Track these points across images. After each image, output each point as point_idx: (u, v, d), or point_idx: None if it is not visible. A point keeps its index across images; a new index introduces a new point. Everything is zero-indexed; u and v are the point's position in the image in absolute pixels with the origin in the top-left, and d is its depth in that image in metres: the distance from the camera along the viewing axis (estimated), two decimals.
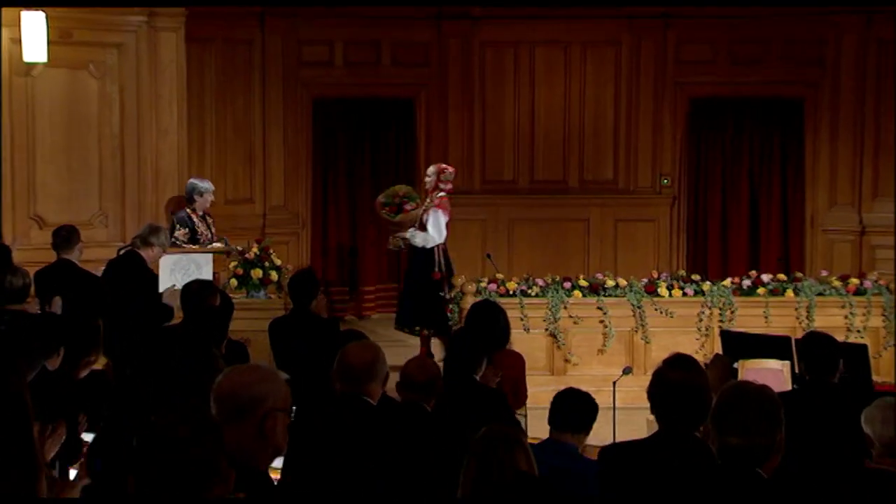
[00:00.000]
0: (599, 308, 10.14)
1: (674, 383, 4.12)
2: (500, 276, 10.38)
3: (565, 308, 10.11)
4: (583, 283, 10.25)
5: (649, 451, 4.18)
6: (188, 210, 10.30)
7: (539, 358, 9.93)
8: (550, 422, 5.55)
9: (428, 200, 10.53)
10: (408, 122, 12.95)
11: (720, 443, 3.57)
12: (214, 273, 9.40)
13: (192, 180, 10.55)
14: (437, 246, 10.39)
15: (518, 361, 7.07)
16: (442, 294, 10.31)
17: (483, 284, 10.20)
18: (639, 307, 10.11)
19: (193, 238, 10.10)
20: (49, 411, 4.40)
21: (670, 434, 4.12)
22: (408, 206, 10.42)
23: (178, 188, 10.92)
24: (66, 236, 8.57)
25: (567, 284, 10.18)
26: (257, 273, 9.93)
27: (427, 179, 10.65)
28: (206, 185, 10.43)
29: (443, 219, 10.38)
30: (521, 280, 10.28)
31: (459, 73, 12.94)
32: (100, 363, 6.32)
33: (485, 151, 13.09)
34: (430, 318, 10.32)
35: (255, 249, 10.09)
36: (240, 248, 10.17)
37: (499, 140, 13.09)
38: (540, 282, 10.22)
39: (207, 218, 10.43)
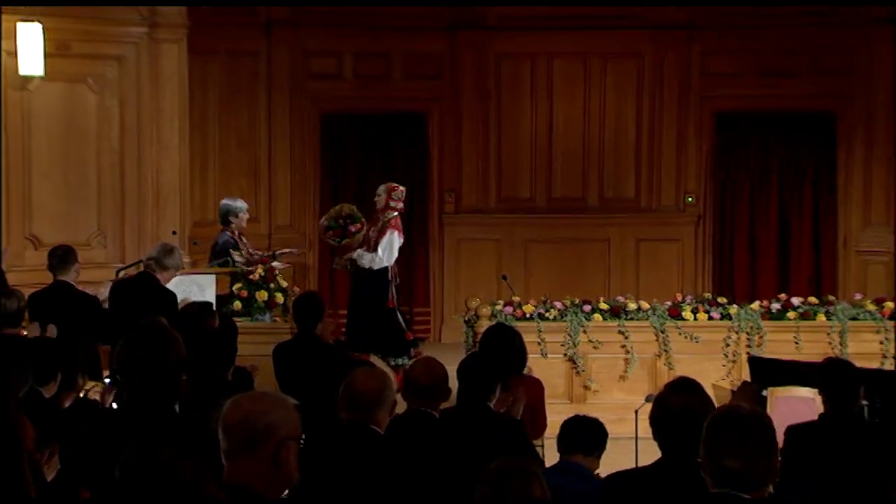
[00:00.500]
0: (621, 332, 9.97)
1: (675, 408, 4.12)
2: (516, 298, 10.27)
3: (585, 332, 9.95)
4: (603, 305, 10.11)
5: (651, 478, 4.17)
6: (229, 232, 10.29)
7: (557, 384, 9.76)
8: (559, 447, 5.61)
9: (380, 222, 10.56)
10: (420, 137, 12.97)
11: (715, 467, 3.47)
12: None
13: (224, 201, 10.61)
14: (390, 269, 10.48)
15: (537, 388, 6.84)
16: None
17: (498, 307, 10.10)
18: (662, 331, 9.95)
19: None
20: (42, 437, 4.35)
21: (672, 460, 4.11)
22: (352, 228, 10.53)
23: (179, 206, 10.96)
24: (62, 257, 8.42)
25: (587, 307, 10.05)
26: (262, 295, 9.87)
27: (377, 199, 10.70)
28: (239, 204, 10.48)
29: (396, 242, 10.47)
30: (538, 303, 10.15)
31: (474, 86, 12.97)
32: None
33: (500, 168, 13.12)
34: (391, 345, 10.39)
35: (259, 271, 9.89)
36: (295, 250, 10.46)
37: (515, 156, 13.09)
38: (558, 304, 10.08)
39: (243, 238, 10.47)
